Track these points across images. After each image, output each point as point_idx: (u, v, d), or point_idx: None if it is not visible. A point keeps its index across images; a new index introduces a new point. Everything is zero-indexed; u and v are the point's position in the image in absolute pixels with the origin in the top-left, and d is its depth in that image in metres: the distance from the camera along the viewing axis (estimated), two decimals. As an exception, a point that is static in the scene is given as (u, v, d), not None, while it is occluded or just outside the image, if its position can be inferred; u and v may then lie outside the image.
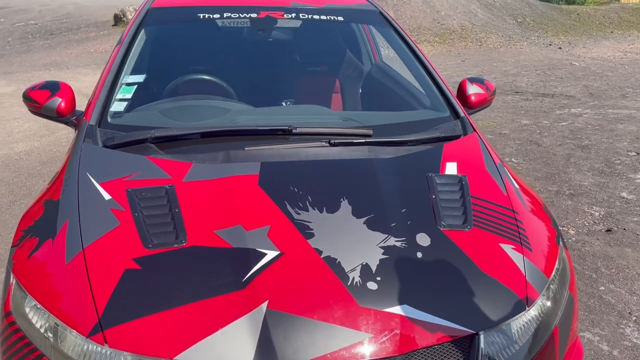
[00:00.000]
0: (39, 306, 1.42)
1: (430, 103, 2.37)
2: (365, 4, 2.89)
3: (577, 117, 6.64)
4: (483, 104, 2.56)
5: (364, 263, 1.46)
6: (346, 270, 1.44)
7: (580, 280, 2.98)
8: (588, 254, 3.27)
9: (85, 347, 1.32)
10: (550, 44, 13.97)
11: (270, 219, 1.57)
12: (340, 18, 2.69)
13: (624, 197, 4.13)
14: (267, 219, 1.56)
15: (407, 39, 2.68)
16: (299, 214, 1.59)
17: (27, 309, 1.44)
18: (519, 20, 16.08)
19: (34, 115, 2.31)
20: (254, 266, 1.42)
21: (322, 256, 1.47)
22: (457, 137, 2.11)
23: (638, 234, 3.52)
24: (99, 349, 1.31)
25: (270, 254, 1.46)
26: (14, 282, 1.52)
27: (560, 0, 19.71)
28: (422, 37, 13.49)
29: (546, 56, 11.96)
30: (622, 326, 2.60)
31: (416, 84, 2.58)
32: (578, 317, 1.81)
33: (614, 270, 3.09)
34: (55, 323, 1.37)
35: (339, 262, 1.46)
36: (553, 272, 1.64)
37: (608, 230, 3.59)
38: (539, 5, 18.03)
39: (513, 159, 5.02)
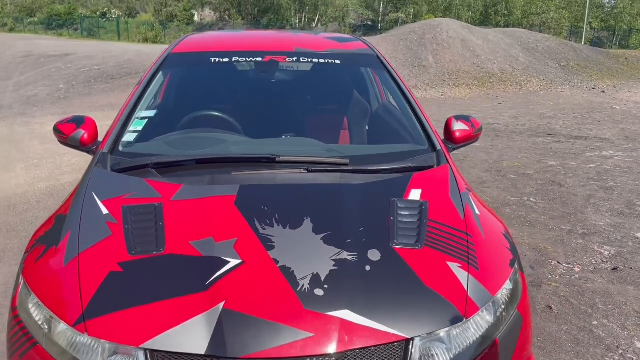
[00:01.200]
0: (38, 302, 1.68)
1: (412, 137, 2.56)
2: (364, 49, 3.14)
3: (606, 160, 6.60)
4: (468, 139, 2.72)
5: (315, 272, 1.65)
6: (297, 278, 1.63)
7: (574, 315, 3.01)
8: (588, 291, 3.29)
9: (70, 335, 1.56)
10: (593, 88, 13.85)
11: (239, 232, 1.79)
12: (339, 62, 2.96)
13: (638, 238, 4.11)
14: (235, 233, 1.78)
15: (398, 80, 2.90)
16: (265, 229, 1.80)
17: (30, 305, 1.71)
18: (563, 64, 16.03)
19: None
20: (217, 271, 1.64)
21: (278, 265, 1.67)
22: (430, 167, 2.29)
23: (645, 273, 3.51)
24: (81, 337, 1.54)
25: (233, 262, 1.67)
26: (22, 282, 1.79)
27: (613, 44, 19.56)
28: (460, 81, 13.67)
29: (587, 99, 11.87)
30: (606, 359, 2.62)
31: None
32: (529, 336, 1.89)
33: (610, 307, 3.10)
34: (50, 316, 1.62)
35: (292, 270, 1.65)
36: (499, 291, 1.77)
37: (614, 269, 3.59)
38: (585, 50, 17.95)
39: (532, 199, 5.06)
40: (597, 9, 42.02)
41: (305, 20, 42.86)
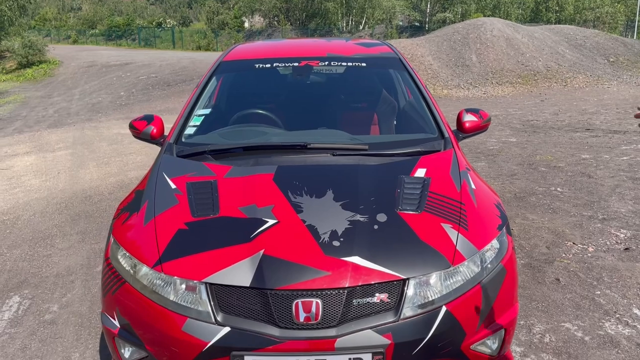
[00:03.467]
0: (125, 253, 2.23)
1: (426, 127, 3.00)
2: (388, 52, 3.60)
3: (641, 152, 6.73)
4: (477, 129, 3.12)
5: (334, 229, 2.13)
6: (320, 233, 2.11)
7: (580, 286, 3.35)
8: (597, 267, 3.61)
9: (150, 275, 2.10)
10: (642, 83, 13.64)
11: (275, 200, 2.29)
12: (365, 64, 3.42)
13: (656, 222, 4.34)
14: (273, 201, 2.29)
15: (417, 80, 3.34)
16: (296, 198, 2.30)
17: (119, 255, 2.26)
18: (611, 59, 15.80)
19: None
20: (258, 228, 2.14)
21: (305, 224, 2.15)
22: (437, 151, 2.72)
23: (655, 253, 3.77)
24: (158, 275, 2.07)
25: (271, 222, 2.17)
26: (112, 240, 2.36)
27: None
28: (503, 79, 13.78)
29: (633, 95, 11.77)
30: (602, 321, 2.96)
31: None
32: (513, 287, 2.26)
33: (615, 280, 3.42)
34: (135, 262, 2.17)
35: (316, 228, 2.13)
36: (485, 247, 2.19)
37: (626, 249, 3.88)
38: (637, 44, 17.55)
39: (558, 189, 5.34)
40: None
41: (352, 23, 43.31)
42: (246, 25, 48.86)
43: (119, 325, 2.15)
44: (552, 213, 4.66)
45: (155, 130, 3.10)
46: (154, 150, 6.03)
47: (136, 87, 17.65)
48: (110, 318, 2.20)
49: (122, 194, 5.41)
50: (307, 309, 1.92)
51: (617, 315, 3.02)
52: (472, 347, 2.08)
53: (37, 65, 27.28)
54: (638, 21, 34.15)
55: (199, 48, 38.31)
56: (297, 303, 1.92)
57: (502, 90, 13.18)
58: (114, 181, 5.99)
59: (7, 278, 3.66)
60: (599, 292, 3.27)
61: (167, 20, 50.43)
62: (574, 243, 4.01)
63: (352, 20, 43.19)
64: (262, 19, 49.15)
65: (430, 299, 2.01)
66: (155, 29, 46.23)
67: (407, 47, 15.20)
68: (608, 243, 4.01)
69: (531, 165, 6.33)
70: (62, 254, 4.05)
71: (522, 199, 5.05)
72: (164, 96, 15.82)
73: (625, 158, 6.47)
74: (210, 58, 20.34)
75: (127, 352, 2.18)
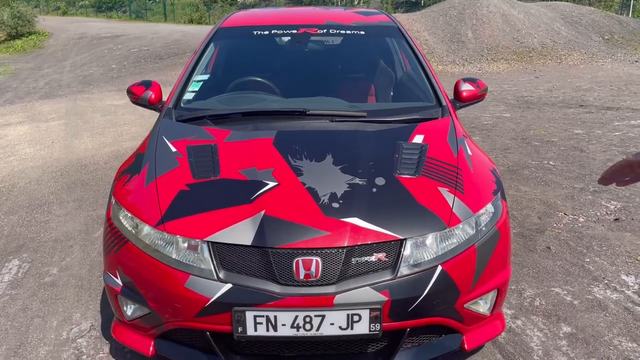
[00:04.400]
0: (127, 213, 2.26)
1: (423, 96, 3.03)
2: (387, 21, 3.60)
3: (633, 128, 6.80)
4: (474, 98, 3.15)
5: (333, 192, 2.17)
6: (319, 195, 2.15)
7: (570, 254, 3.43)
8: (587, 236, 3.69)
9: (153, 234, 2.13)
10: (636, 61, 13.67)
11: (276, 164, 2.32)
12: (364, 32, 3.43)
13: (645, 195, 4.43)
14: (273, 164, 2.32)
15: (415, 49, 3.36)
16: (295, 161, 2.33)
17: (121, 216, 2.29)
18: (606, 37, 15.79)
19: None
20: (259, 190, 2.18)
21: (305, 186, 2.19)
22: (434, 119, 2.76)
23: (644, 223, 3.86)
24: (161, 234, 2.11)
25: (271, 184, 2.21)
26: (113, 201, 2.38)
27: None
28: (499, 56, 13.76)
29: (627, 72, 11.82)
30: (591, 286, 3.05)
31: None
32: (507, 250, 2.32)
33: (604, 248, 3.50)
34: (137, 222, 2.20)
35: (316, 190, 2.17)
36: (480, 210, 2.24)
37: (616, 219, 3.96)
38: (632, 22, 17.53)
39: (551, 162, 5.40)
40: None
41: (347, -3, 42.74)
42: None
43: (121, 284, 2.20)
44: (544, 185, 4.73)
45: (153, 96, 3.11)
46: (149, 122, 6.03)
47: (128, 60, 17.44)
48: (113, 277, 2.24)
49: (117, 164, 5.41)
50: (307, 266, 1.97)
51: (606, 281, 3.10)
52: (465, 305, 2.15)
53: (27, 37, 26.81)
54: (633, 0, 33.96)
55: (191, 21, 37.73)
56: (297, 261, 1.97)
57: (497, 66, 13.17)
58: (109, 151, 5.99)
59: (6, 242, 3.69)
60: (588, 260, 3.36)
61: (159, -7, 49.49)
62: (565, 214, 4.09)
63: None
64: (255, -8, 48.33)
65: (427, 259, 2.06)
66: (147, 1, 45.44)
67: (402, 22, 15.08)
68: (598, 214, 4.09)
69: (524, 139, 6.38)
70: (59, 220, 4.07)
71: (515, 172, 5.11)
72: (157, 69, 15.65)
73: (617, 133, 6.54)
74: (203, 31, 20.07)
75: (129, 309, 2.23)
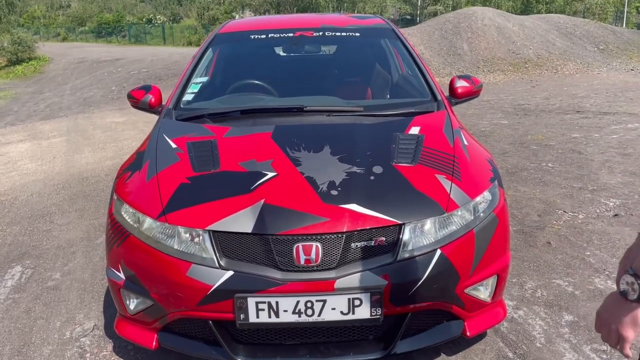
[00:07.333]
0: (129, 208, 2.28)
1: (419, 93, 3.07)
2: (381, 23, 3.67)
3: (630, 131, 6.84)
4: (469, 95, 3.19)
5: (331, 180, 2.19)
6: (318, 183, 2.18)
7: (570, 248, 3.44)
8: (587, 231, 3.70)
9: (155, 226, 2.16)
10: (631, 69, 13.79)
11: (274, 155, 2.35)
12: (359, 34, 3.49)
13: (644, 192, 4.45)
14: (272, 156, 2.35)
15: (410, 49, 3.41)
16: (294, 153, 2.36)
17: (122, 211, 2.32)
18: (601, 47, 15.95)
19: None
20: (258, 180, 2.21)
21: (304, 176, 2.22)
22: (430, 112, 2.80)
23: (643, 218, 3.87)
24: (162, 225, 2.13)
25: (270, 174, 2.24)
26: (115, 197, 2.41)
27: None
28: (495, 67, 13.88)
29: (623, 80, 11.91)
30: (592, 277, 3.05)
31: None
32: (505, 235, 2.34)
33: (605, 242, 3.51)
34: (139, 216, 2.22)
35: (315, 179, 2.20)
36: (478, 197, 2.26)
37: (615, 215, 3.98)
38: (626, 33, 17.73)
39: (549, 164, 5.43)
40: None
41: (343, 17, 43.26)
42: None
43: (124, 277, 2.21)
44: (543, 185, 4.75)
45: (153, 99, 3.15)
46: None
47: (128, 82, 17.60)
48: (115, 271, 2.26)
49: (118, 176, 5.46)
50: (307, 252, 1.99)
51: (607, 272, 3.11)
52: (466, 290, 2.16)
53: (27, 62, 27.13)
54: (627, 12, 34.42)
55: (190, 44, 38.18)
56: (297, 247, 1.99)
57: (494, 77, 13.28)
58: (110, 164, 6.03)
59: (9, 250, 3.71)
60: (588, 253, 3.36)
61: (157, 17, 50.17)
62: (564, 211, 4.10)
63: (343, 14, 43.16)
64: (252, 14, 49.00)
65: (426, 243, 2.08)
66: (146, 25, 46.02)
67: (398, 37, 15.23)
68: (598, 211, 4.11)
69: (523, 144, 6.42)
70: (61, 229, 4.10)
71: (514, 174, 5.14)
72: (157, 89, 15.77)
73: (614, 136, 6.58)
74: (202, 51, 20.31)
75: (132, 303, 2.24)
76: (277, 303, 1.98)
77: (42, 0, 63.36)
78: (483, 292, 2.25)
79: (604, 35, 16.90)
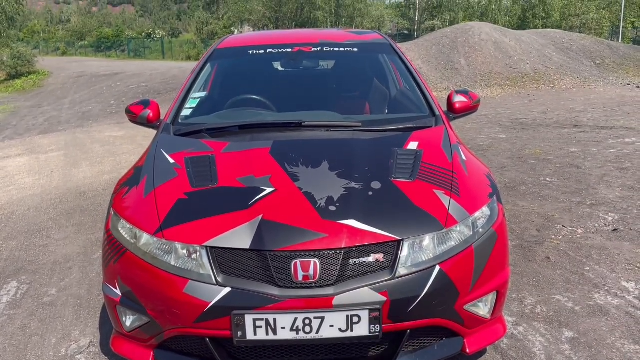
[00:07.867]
0: (126, 224, 2.27)
1: (417, 108, 3.08)
2: (379, 38, 3.69)
3: (627, 145, 6.86)
4: (467, 110, 3.19)
5: (330, 195, 2.19)
6: (316, 199, 2.17)
7: (570, 263, 3.42)
8: (586, 246, 3.69)
9: (152, 242, 2.14)
10: (628, 84, 13.87)
11: (272, 171, 2.35)
12: (357, 49, 3.51)
13: (642, 206, 4.44)
14: (270, 171, 2.34)
15: (408, 64, 3.43)
16: (292, 168, 2.36)
17: (119, 227, 2.30)
18: (598, 62, 16.06)
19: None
20: (256, 196, 2.20)
21: (302, 191, 2.21)
22: (428, 127, 2.80)
23: (642, 233, 3.86)
24: (159, 241, 2.12)
25: (268, 190, 2.23)
26: (112, 213, 2.40)
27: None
28: (492, 82, 13.95)
29: (619, 94, 11.98)
30: (592, 293, 3.03)
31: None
32: (504, 251, 2.32)
33: (604, 257, 3.50)
34: (136, 232, 2.21)
35: (313, 194, 2.19)
36: (477, 213, 2.25)
37: (614, 230, 3.97)
38: (622, 48, 17.86)
39: (547, 179, 5.44)
40: (639, 9, 41.15)
41: (341, 32, 43.58)
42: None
43: (120, 294, 2.19)
44: (541, 200, 4.75)
45: (151, 114, 3.15)
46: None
47: (127, 96, 17.64)
48: (112, 287, 2.23)
49: (116, 190, 5.44)
50: (305, 268, 1.97)
51: (606, 288, 3.09)
52: (465, 307, 2.14)
53: (26, 76, 27.22)
54: (623, 27, 34.75)
55: (189, 58, 38.39)
56: (295, 263, 1.97)
57: (491, 92, 13.35)
58: (108, 178, 6.02)
59: (4, 266, 3.68)
60: (588, 268, 3.35)
61: (157, 31, 50.51)
62: (563, 226, 4.09)
63: (341, 29, 43.53)
64: (251, 29, 49.35)
65: (424, 259, 2.07)
66: (145, 39, 46.30)
67: (396, 52, 15.33)
68: (597, 225, 4.10)
69: (520, 158, 6.43)
70: (58, 244, 4.07)
71: (513, 189, 5.14)
72: (155, 103, 15.80)
73: (612, 150, 6.60)
74: (201, 66, 20.40)
75: (128, 319, 2.22)
76: (274, 320, 1.96)
77: (42, 15, 63.78)
78: (483, 308, 2.23)
79: (600, 50, 17.03)
